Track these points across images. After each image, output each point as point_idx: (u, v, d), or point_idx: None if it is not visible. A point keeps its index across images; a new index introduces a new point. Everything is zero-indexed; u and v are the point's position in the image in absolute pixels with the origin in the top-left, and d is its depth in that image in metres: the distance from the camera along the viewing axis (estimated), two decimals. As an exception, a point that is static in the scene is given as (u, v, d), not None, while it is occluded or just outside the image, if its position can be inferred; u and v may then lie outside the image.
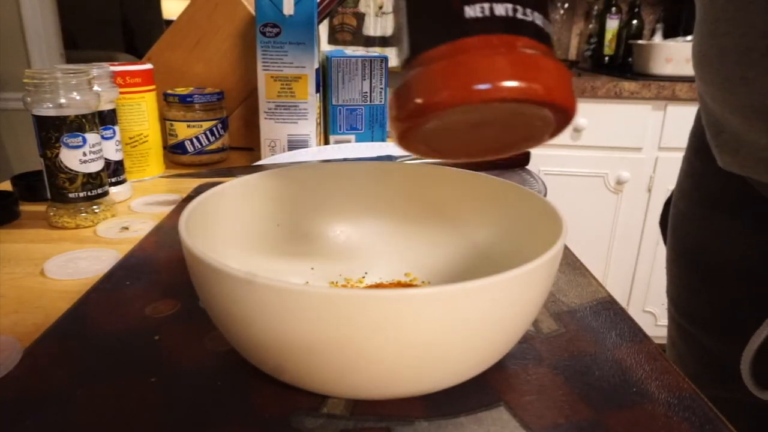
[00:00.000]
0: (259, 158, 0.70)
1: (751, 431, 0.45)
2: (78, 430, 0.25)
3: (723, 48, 0.37)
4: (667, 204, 0.54)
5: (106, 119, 0.56)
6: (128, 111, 0.63)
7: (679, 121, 1.60)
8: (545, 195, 0.50)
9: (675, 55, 1.63)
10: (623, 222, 1.71)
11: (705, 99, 0.42)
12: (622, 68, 1.94)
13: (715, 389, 0.44)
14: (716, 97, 0.40)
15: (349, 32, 1.69)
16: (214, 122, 0.72)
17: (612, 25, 1.97)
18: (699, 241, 0.47)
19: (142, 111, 0.64)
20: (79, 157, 0.49)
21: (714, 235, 0.46)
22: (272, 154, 0.69)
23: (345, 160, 0.53)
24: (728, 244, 0.44)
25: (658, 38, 1.96)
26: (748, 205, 0.42)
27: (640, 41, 1.79)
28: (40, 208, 0.54)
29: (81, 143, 0.49)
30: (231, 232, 0.35)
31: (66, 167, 0.49)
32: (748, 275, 0.43)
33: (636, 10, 1.98)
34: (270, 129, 0.69)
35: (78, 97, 0.48)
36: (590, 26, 2.07)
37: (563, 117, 0.23)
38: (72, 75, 0.48)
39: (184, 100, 0.70)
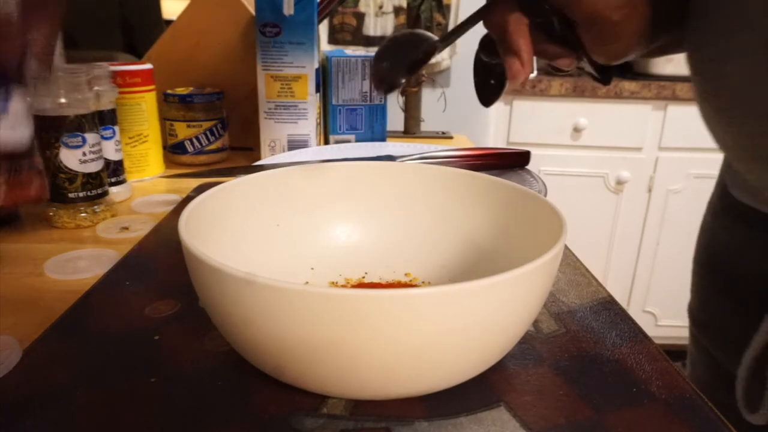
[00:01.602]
0: (259, 158, 0.70)
1: None
2: (78, 430, 0.25)
3: (709, 107, 0.38)
4: None
5: (106, 119, 0.56)
6: (128, 111, 0.63)
7: (679, 121, 1.60)
8: (545, 195, 0.50)
9: (675, 56, 1.63)
10: (623, 222, 1.71)
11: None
12: (622, 68, 1.92)
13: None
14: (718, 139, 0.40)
15: (349, 32, 1.69)
16: (214, 122, 0.72)
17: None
18: (721, 252, 0.46)
19: (142, 111, 0.64)
20: (79, 157, 0.49)
21: (736, 246, 0.44)
22: (272, 154, 0.69)
23: (345, 160, 0.53)
24: (751, 257, 0.43)
25: (658, 38, 1.96)
26: None
27: (640, 41, 1.79)
28: (40, 208, 0.54)
29: (81, 143, 0.49)
30: (231, 232, 0.35)
31: (66, 167, 0.49)
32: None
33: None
34: (270, 129, 0.69)
35: (78, 97, 0.48)
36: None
37: None
38: (72, 75, 0.48)
39: (184, 100, 0.70)
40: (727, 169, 0.45)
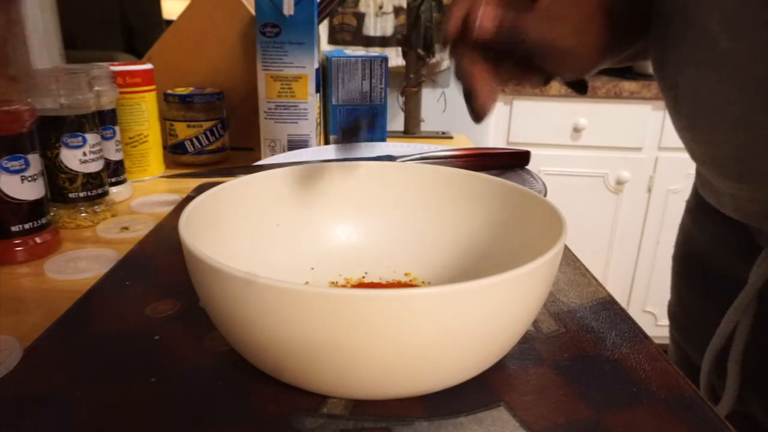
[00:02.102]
0: (259, 158, 0.70)
1: None
2: (78, 430, 0.25)
3: (670, 111, 0.39)
4: None
5: (106, 119, 0.56)
6: (128, 111, 0.63)
7: (679, 121, 1.60)
8: (545, 195, 0.50)
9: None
10: (623, 222, 1.71)
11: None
12: (622, 68, 1.94)
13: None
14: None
15: (349, 32, 1.69)
16: (214, 122, 0.72)
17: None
18: (693, 249, 0.47)
19: (142, 111, 0.64)
20: (79, 157, 0.49)
21: (706, 244, 0.45)
22: (272, 154, 0.69)
23: (345, 160, 0.53)
24: (718, 255, 0.43)
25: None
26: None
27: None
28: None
29: (81, 143, 0.49)
30: (231, 232, 0.35)
31: (66, 167, 0.49)
32: (738, 285, 0.39)
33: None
34: (270, 129, 0.69)
35: (78, 97, 0.48)
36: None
37: None
38: (72, 75, 0.48)
39: (184, 100, 0.70)
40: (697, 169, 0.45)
